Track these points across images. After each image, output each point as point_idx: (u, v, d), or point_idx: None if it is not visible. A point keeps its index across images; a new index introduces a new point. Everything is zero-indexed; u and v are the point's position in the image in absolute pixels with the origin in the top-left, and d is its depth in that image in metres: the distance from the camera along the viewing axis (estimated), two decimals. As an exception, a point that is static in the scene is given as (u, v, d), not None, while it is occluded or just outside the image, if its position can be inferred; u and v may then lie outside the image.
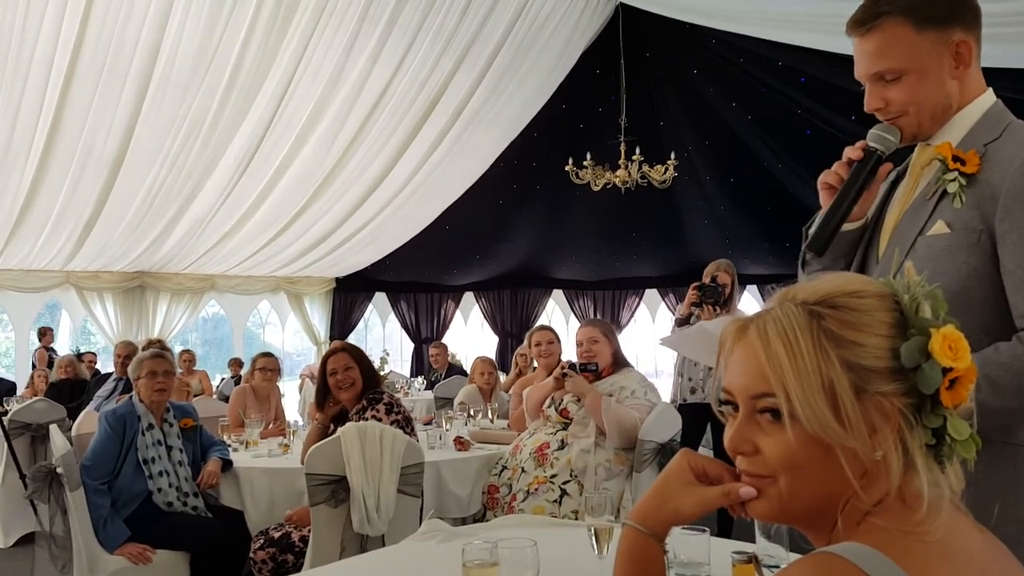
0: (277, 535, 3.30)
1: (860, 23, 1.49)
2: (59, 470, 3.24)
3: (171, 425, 3.59)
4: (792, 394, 0.83)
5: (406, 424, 3.43)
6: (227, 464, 3.67)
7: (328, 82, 7.82)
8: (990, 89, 1.53)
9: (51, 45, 6.42)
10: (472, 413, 4.79)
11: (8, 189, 7.92)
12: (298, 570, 3.14)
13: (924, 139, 1.55)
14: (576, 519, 3.42)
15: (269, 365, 5.04)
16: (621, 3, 8.63)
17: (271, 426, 4.73)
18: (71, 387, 7.06)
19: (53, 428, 3.46)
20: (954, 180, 1.42)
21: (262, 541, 3.30)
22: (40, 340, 10.74)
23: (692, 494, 0.99)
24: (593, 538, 1.62)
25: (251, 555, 3.27)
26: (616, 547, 1.06)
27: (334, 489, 2.92)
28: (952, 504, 0.86)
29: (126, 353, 5.78)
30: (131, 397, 3.56)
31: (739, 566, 1.71)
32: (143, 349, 4.30)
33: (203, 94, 7.45)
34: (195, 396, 5.95)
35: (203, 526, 3.46)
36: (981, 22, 1.49)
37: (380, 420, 3.29)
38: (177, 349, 9.48)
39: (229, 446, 4.10)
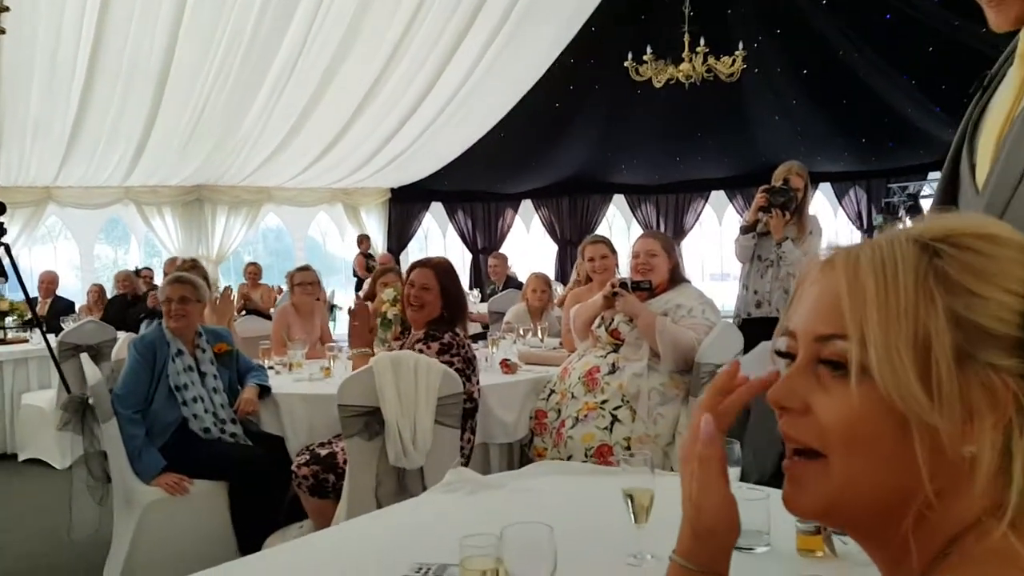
0: (323, 453, 3.15)
1: None
2: (90, 401, 3.14)
3: (204, 351, 3.45)
4: (870, 339, 0.62)
5: (466, 366, 3.07)
6: (265, 390, 3.54)
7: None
8: None
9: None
10: (522, 332, 4.55)
11: (58, 109, 7.93)
12: (338, 491, 3.00)
13: None
14: (628, 446, 3.20)
15: (307, 279, 4.73)
16: None
17: (317, 346, 4.56)
18: (129, 303, 7.10)
19: (84, 357, 3.36)
20: None
21: (308, 456, 3.16)
22: (359, 247, 11.39)
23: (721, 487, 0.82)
24: (629, 506, 1.37)
25: (294, 468, 3.15)
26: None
27: (368, 421, 2.74)
28: None
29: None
30: (159, 323, 3.42)
31: (804, 536, 1.45)
32: (178, 270, 4.16)
33: (241, 3, 7.17)
34: (243, 315, 5.86)
35: (241, 454, 3.34)
36: None
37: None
38: (245, 261, 9.62)
39: (271, 368, 3.97)
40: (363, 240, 11.61)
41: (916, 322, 0.61)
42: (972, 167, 1.20)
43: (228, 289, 5.11)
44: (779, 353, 0.71)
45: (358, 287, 10.38)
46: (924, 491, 0.61)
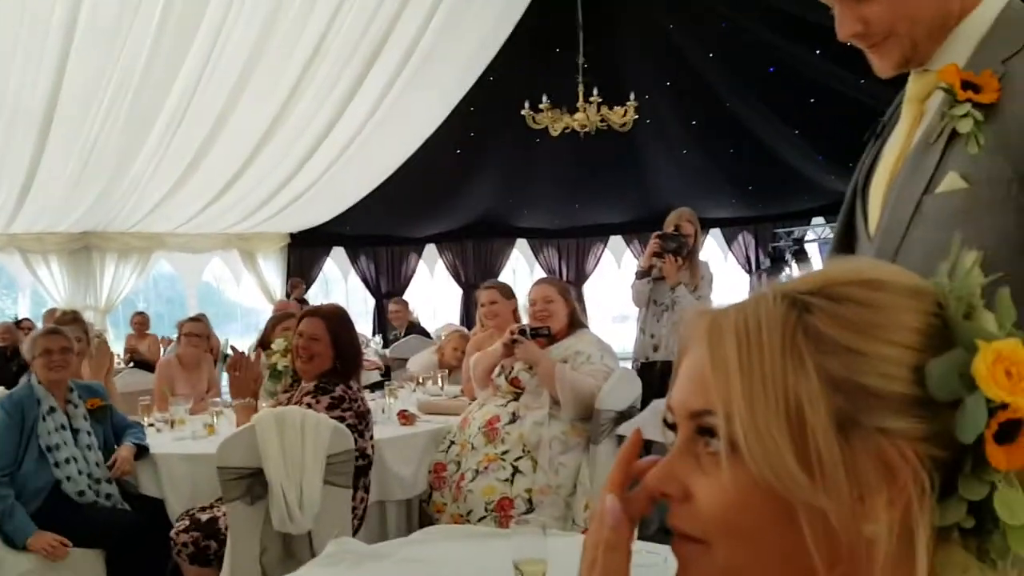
0: (204, 518, 2.96)
1: None
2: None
3: (76, 407, 3.22)
4: (735, 413, 0.55)
5: (358, 422, 2.94)
6: (143, 450, 3.32)
7: (264, 25, 7.29)
8: None
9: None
10: (421, 380, 4.45)
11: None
12: (221, 559, 2.82)
13: (919, 64, 1.15)
14: (530, 498, 3.14)
15: (195, 330, 4.55)
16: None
17: (204, 400, 4.33)
18: (8, 357, 6.64)
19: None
20: (966, 115, 1.01)
21: (187, 523, 2.96)
22: (291, 293, 10.63)
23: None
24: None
25: (173, 535, 2.94)
26: None
27: (250, 484, 2.59)
28: None
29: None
30: (28, 379, 3.18)
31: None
32: (55, 322, 3.90)
33: (132, 41, 6.93)
34: (130, 366, 5.55)
35: (119, 519, 3.12)
36: None
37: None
38: (137, 308, 9.21)
39: (151, 425, 3.75)
40: (296, 286, 11.00)
41: (785, 389, 0.53)
42: (865, 215, 1.20)
43: (103, 341, 4.83)
44: (667, 424, 0.64)
45: None
46: None
